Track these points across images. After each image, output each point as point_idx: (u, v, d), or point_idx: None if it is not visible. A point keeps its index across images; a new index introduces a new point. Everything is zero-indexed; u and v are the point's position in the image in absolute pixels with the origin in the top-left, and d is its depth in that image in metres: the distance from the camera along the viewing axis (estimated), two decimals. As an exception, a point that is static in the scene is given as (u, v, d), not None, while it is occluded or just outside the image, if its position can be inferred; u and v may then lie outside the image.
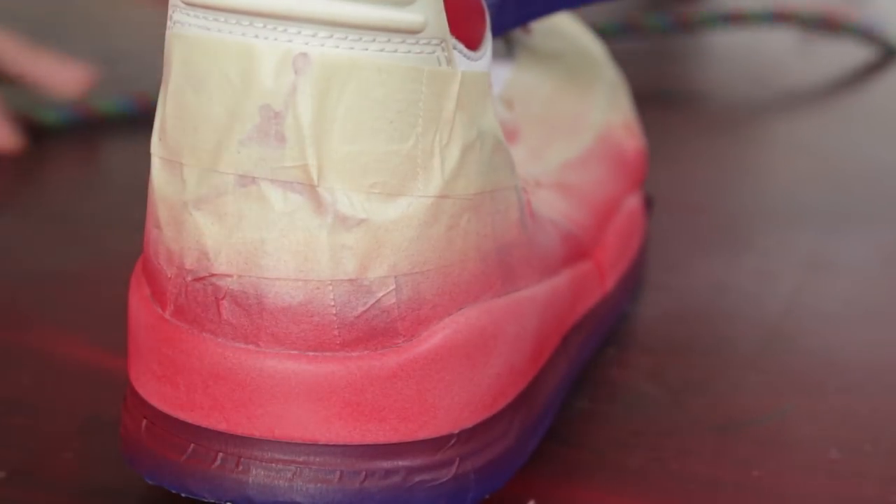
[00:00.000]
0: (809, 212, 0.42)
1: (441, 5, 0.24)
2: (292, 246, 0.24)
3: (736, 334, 0.34)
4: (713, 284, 0.37)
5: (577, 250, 0.30)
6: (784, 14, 0.55)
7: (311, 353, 0.24)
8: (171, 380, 0.25)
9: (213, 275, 0.24)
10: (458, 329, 0.25)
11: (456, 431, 0.25)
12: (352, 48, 0.23)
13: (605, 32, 0.56)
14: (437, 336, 0.25)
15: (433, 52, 0.24)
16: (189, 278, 0.24)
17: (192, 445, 0.25)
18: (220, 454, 0.24)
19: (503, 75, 0.32)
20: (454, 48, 0.25)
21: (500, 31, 0.30)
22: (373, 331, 0.24)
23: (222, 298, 0.24)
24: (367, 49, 0.23)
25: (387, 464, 0.25)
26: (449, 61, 0.24)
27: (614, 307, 0.33)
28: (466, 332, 0.25)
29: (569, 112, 0.33)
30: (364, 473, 0.24)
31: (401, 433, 0.25)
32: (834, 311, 0.36)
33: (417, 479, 0.25)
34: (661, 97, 0.53)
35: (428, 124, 0.24)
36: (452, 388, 0.25)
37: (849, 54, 0.59)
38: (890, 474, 0.28)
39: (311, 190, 0.24)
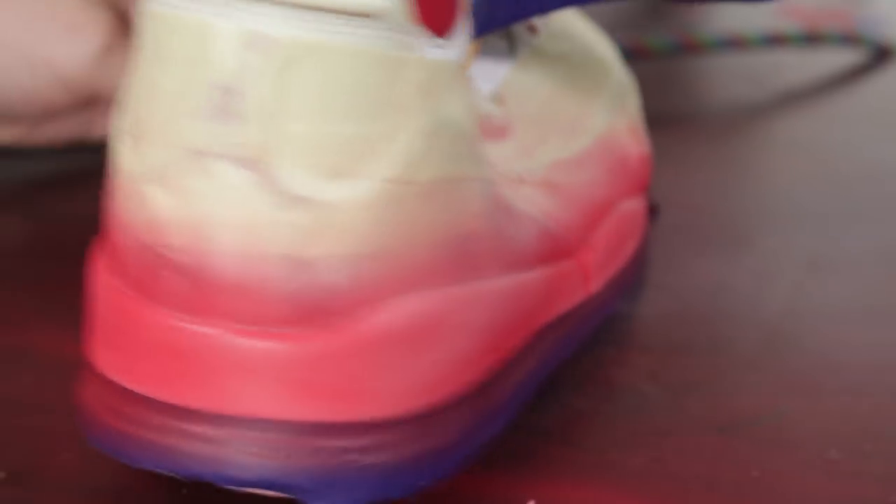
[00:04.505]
0: (809, 212, 0.42)
1: None
2: (238, 221, 0.24)
3: (736, 334, 0.34)
4: (713, 284, 0.37)
5: (556, 249, 0.30)
6: (778, 37, 0.55)
7: (251, 328, 0.24)
8: (117, 347, 0.25)
9: (162, 245, 0.24)
10: (402, 313, 0.25)
11: (395, 415, 0.25)
12: (309, 30, 0.24)
13: None
14: (378, 318, 0.25)
15: (395, 37, 0.24)
16: (140, 248, 0.25)
17: (136, 413, 0.25)
18: (159, 422, 0.25)
19: (501, 72, 0.32)
20: (418, 34, 0.25)
21: (493, 26, 0.30)
22: (313, 309, 0.24)
23: (170, 269, 0.24)
24: (324, 31, 0.24)
25: (321, 442, 0.25)
26: (410, 47, 0.24)
27: (600, 308, 0.33)
28: (410, 317, 0.25)
29: (568, 113, 0.33)
30: (294, 450, 0.25)
31: (336, 412, 0.25)
32: (834, 311, 0.36)
33: (351, 458, 0.25)
34: (660, 98, 0.53)
35: (385, 108, 0.24)
36: (392, 372, 0.25)
37: (846, 54, 0.59)
38: (890, 474, 0.28)
39: (260, 167, 0.24)
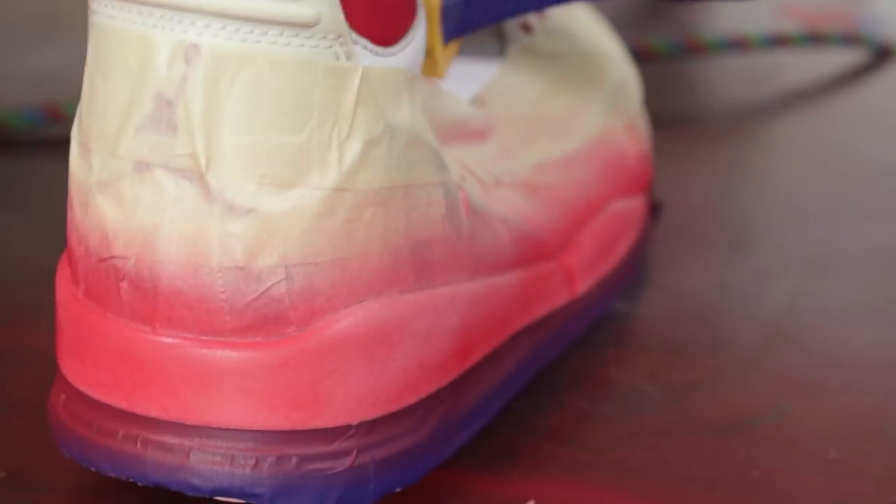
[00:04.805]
0: (809, 212, 0.42)
1: (336, 0, 0.24)
2: (183, 232, 0.24)
3: (736, 334, 0.34)
4: (713, 284, 0.37)
5: (534, 251, 0.30)
6: (780, 38, 0.55)
7: (203, 338, 0.25)
8: (80, 356, 0.26)
9: (113, 256, 0.25)
10: (355, 321, 0.25)
11: (354, 423, 0.25)
12: (244, 40, 0.24)
13: None
14: (331, 327, 0.25)
15: (329, 47, 0.24)
16: (94, 259, 0.25)
17: (97, 421, 0.25)
18: (122, 431, 0.25)
19: (488, 73, 0.32)
20: (356, 43, 0.25)
21: (469, 28, 0.30)
22: (264, 319, 0.24)
23: (122, 280, 0.25)
24: (259, 41, 0.24)
25: (279, 450, 0.25)
26: (348, 56, 0.24)
27: (590, 309, 0.33)
28: (365, 325, 0.25)
29: (559, 113, 0.33)
30: (256, 459, 0.25)
31: (292, 421, 0.25)
32: (834, 310, 0.36)
33: (311, 467, 0.25)
34: (661, 98, 0.53)
35: (324, 118, 0.24)
36: (348, 380, 0.25)
37: (847, 54, 0.59)
38: (890, 474, 0.28)
39: (200, 178, 0.24)
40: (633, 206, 0.35)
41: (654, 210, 0.39)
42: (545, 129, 0.32)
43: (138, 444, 0.25)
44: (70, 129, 0.48)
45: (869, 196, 0.43)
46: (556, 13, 0.35)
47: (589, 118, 0.34)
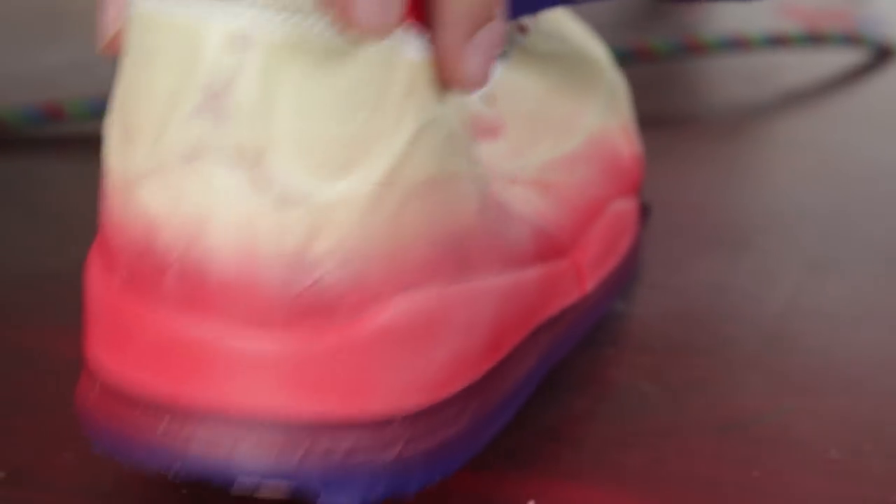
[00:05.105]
0: (809, 212, 0.42)
1: None
2: (234, 221, 0.24)
3: (736, 334, 0.34)
4: (713, 284, 0.37)
5: (550, 248, 0.30)
6: (780, 38, 0.55)
7: (252, 327, 0.24)
8: (119, 349, 0.25)
9: (158, 246, 0.24)
10: (403, 311, 0.25)
11: (399, 414, 0.25)
12: (296, 31, 0.24)
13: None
14: (380, 317, 0.25)
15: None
16: (137, 249, 0.25)
17: (136, 415, 0.25)
18: (164, 424, 0.25)
19: (493, 72, 0.32)
20: (406, 34, 0.25)
21: (533, 9, 0.30)
22: (315, 308, 0.24)
23: (167, 270, 0.24)
24: (311, 32, 0.24)
25: (327, 441, 0.25)
26: (397, 48, 0.24)
27: (595, 308, 0.33)
28: (412, 316, 0.25)
29: (561, 112, 0.33)
30: (304, 450, 0.24)
31: (341, 411, 0.25)
32: (834, 311, 0.36)
33: (359, 458, 0.25)
34: (661, 98, 0.53)
35: (375, 108, 0.24)
36: (396, 370, 0.25)
37: (847, 54, 0.59)
38: (890, 474, 0.28)
39: (253, 167, 0.24)
40: (630, 206, 0.35)
41: (644, 212, 0.39)
42: (549, 128, 0.32)
43: (181, 438, 0.24)
44: (70, 128, 0.48)
45: (869, 196, 0.43)
46: (544, 17, 0.35)
47: (588, 118, 0.34)
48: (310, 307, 0.24)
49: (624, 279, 0.35)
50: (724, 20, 0.65)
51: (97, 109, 0.48)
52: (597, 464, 0.29)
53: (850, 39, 0.56)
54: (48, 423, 0.30)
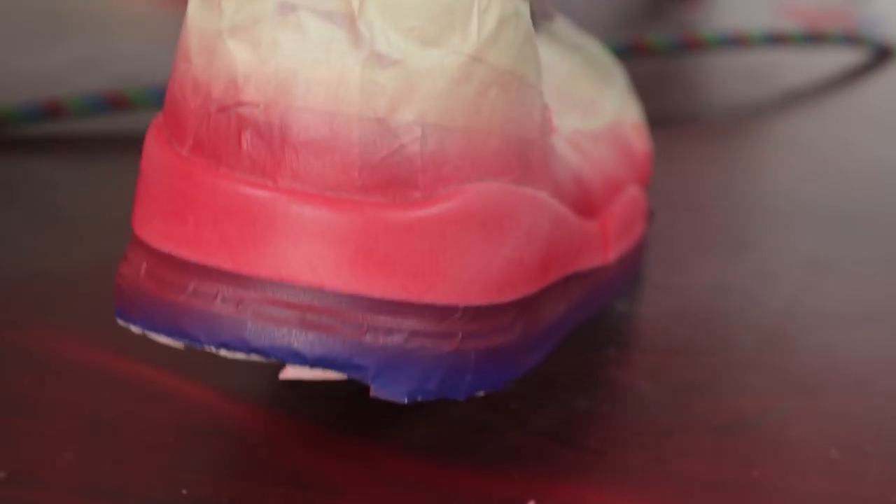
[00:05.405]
0: (809, 211, 0.42)
1: None
2: (324, 77, 0.23)
3: (736, 334, 0.34)
4: (713, 284, 0.37)
5: (585, 203, 0.30)
6: (780, 36, 0.55)
7: (328, 194, 0.24)
8: (180, 217, 0.24)
9: (239, 103, 0.24)
10: (478, 197, 0.24)
11: (462, 305, 0.25)
12: None
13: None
14: (456, 197, 0.24)
15: None
16: (213, 108, 0.24)
17: (193, 285, 0.24)
18: (221, 294, 0.24)
19: None
20: None
21: None
22: (393, 178, 0.24)
23: (245, 129, 0.24)
24: None
25: (390, 321, 0.24)
26: None
27: (611, 283, 0.33)
28: (486, 203, 0.25)
29: (585, 94, 0.33)
30: (366, 327, 0.24)
31: (408, 291, 0.24)
32: (834, 311, 0.36)
33: (418, 343, 0.24)
34: (660, 98, 0.53)
35: None
36: (464, 256, 0.24)
37: (846, 54, 0.59)
38: (890, 474, 0.28)
39: (350, 22, 0.23)
40: (642, 195, 0.35)
41: (648, 214, 0.39)
42: (577, 105, 0.32)
43: (240, 307, 0.24)
44: (71, 128, 0.48)
45: (869, 196, 0.43)
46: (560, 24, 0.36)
47: (607, 106, 0.34)
48: (388, 177, 0.24)
49: (635, 267, 0.35)
50: (724, 20, 0.65)
51: (99, 106, 0.48)
52: (597, 464, 0.29)
53: (850, 39, 0.56)
54: (48, 423, 0.30)
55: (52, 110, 0.48)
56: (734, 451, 0.29)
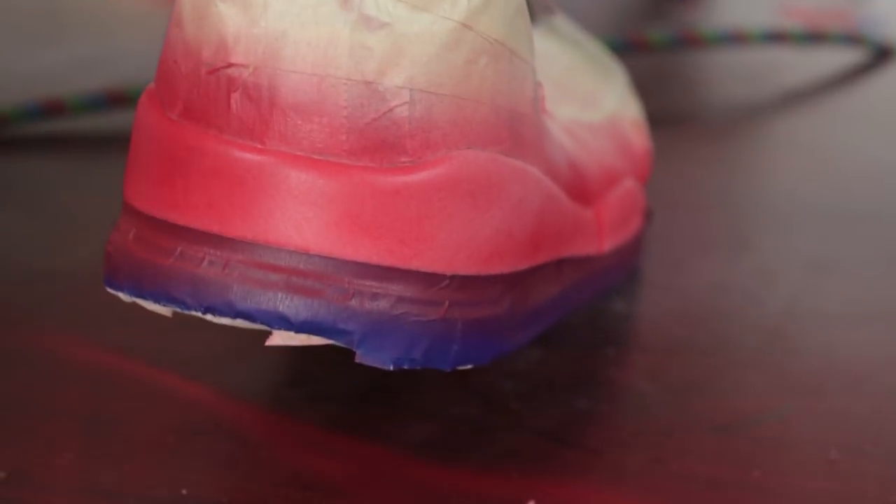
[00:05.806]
0: (809, 211, 0.42)
1: None
2: (313, 39, 0.23)
3: (736, 334, 0.34)
4: (713, 284, 0.37)
5: (579, 189, 0.29)
6: (780, 35, 0.55)
7: (316, 157, 0.24)
8: (168, 180, 0.24)
9: (229, 65, 0.24)
10: (466, 164, 0.24)
11: (449, 273, 0.25)
12: None
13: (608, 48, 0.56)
14: (444, 164, 0.24)
15: None
16: (203, 71, 0.24)
17: (180, 248, 0.24)
18: (208, 257, 0.24)
19: None
20: None
21: None
22: (381, 142, 0.24)
23: (234, 91, 0.24)
24: None
25: (376, 286, 0.24)
26: None
27: (606, 274, 0.32)
28: (474, 171, 0.25)
29: (584, 87, 0.33)
30: (352, 291, 0.24)
31: (395, 256, 0.24)
32: (834, 311, 0.36)
33: (405, 309, 0.24)
34: (659, 97, 0.53)
35: None
36: (452, 223, 0.24)
37: (846, 54, 0.59)
38: (890, 474, 0.28)
39: None
40: (640, 189, 0.35)
41: (647, 215, 0.39)
42: (576, 97, 0.32)
43: (226, 270, 0.24)
44: (70, 127, 0.48)
45: (869, 196, 0.43)
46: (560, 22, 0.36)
47: (606, 101, 0.34)
48: (376, 140, 0.24)
49: (632, 261, 0.35)
50: (724, 19, 0.65)
51: (98, 105, 0.48)
52: (597, 464, 0.29)
53: (850, 39, 0.56)
54: (48, 423, 0.30)
55: (52, 110, 0.48)
56: (734, 451, 0.29)
